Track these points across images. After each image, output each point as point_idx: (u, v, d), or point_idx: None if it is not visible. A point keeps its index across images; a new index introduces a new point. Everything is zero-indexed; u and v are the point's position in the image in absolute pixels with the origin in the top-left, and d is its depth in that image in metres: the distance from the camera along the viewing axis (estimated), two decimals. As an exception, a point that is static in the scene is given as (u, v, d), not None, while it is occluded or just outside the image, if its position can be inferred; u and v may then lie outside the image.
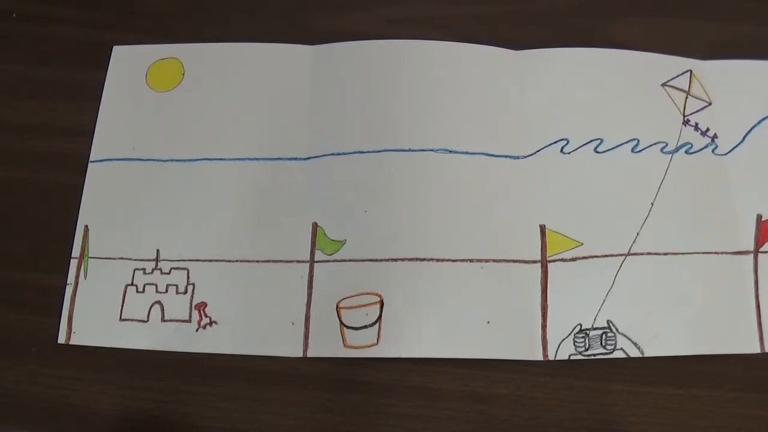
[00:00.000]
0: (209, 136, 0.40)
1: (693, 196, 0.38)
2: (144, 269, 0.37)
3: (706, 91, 0.41)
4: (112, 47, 0.43)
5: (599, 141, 0.39)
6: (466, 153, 0.39)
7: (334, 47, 0.42)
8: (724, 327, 0.36)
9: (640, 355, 0.35)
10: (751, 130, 0.40)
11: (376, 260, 0.37)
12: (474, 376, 0.36)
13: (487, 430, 0.35)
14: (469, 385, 0.35)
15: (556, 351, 0.35)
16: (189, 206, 0.38)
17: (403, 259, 0.37)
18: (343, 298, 0.36)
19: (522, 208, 0.38)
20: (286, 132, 0.40)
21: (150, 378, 0.36)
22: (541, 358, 0.35)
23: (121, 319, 0.37)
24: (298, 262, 0.37)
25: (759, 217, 0.38)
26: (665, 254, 0.37)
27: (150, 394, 0.35)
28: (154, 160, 0.40)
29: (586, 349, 0.35)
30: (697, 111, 0.40)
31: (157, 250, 0.38)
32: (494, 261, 0.37)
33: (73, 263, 0.38)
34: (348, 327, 0.36)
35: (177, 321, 0.37)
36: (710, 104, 0.40)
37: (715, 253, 0.37)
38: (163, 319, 0.37)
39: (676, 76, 0.41)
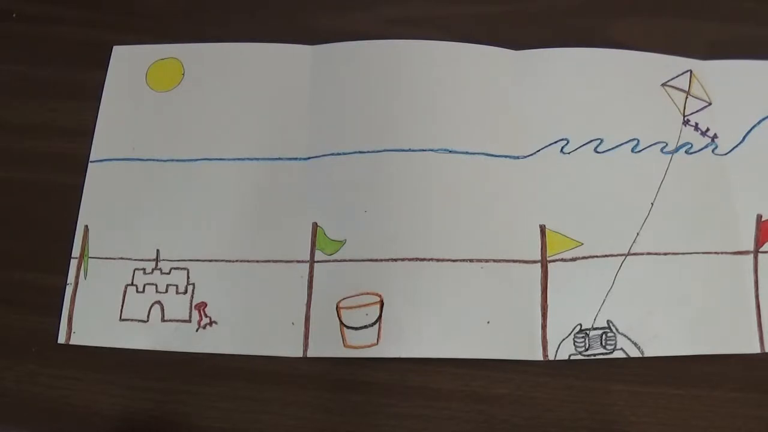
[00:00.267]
0: (209, 136, 0.40)
1: (693, 196, 0.38)
2: (144, 269, 0.37)
3: (706, 91, 0.41)
4: (112, 47, 0.43)
5: (599, 141, 0.39)
6: (466, 153, 0.39)
7: (334, 47, 0.42)
8: (724, 327, 0.36)
9: (640, 355, 0.35)
10: (751, 130, 0.40)
11: (376, 260, 0.37)
12: (474, 376, 0.36)
13: (487, 430, 0.35)
14: (469, 385, 0.35)
15: (556, 351, 0.35)
16: (189, 206, 0.38)
17: (403, 259, 0.37)
18: (343, 298, 0.36)
19: (522, 208, 0.38)
20: (286, 132, 0.40)
21: (150, 378, 0.36)
22: (541, 358, 0.35)
23: (121, 319, 0.37)
24: (298, 262, 0.37)
25: (759, 217, 0.38)
26: (665, 254, 0.37)
27: (150, 394, 0.35)
28: (154, 160, 0.40)
29: (586, 349, 0.35)
30: (697, 111, 0.40)
31: (157, 250, 0.38)
32: (494, 261, 0.37)
33: (73, 263, 0.38)
34: (348, 327, 0.36)
35: (177, 321, 0.37)
36: (710, 104, 0.40)
37: (715, 253, 0.37)
38: (163, 319, 0.37)
39: (676, 76, 0.41)
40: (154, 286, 0.37)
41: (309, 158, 0.39)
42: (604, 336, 0.36)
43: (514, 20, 0.43)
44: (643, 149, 0.39)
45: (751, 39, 0.42)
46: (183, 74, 0.42)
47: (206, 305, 0.37)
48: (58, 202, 0.39)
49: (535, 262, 0.37)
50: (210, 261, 0.37)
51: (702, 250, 0.37)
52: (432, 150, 0.39)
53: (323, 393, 0.35)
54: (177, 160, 0.39)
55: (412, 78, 0.40)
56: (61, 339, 0.36)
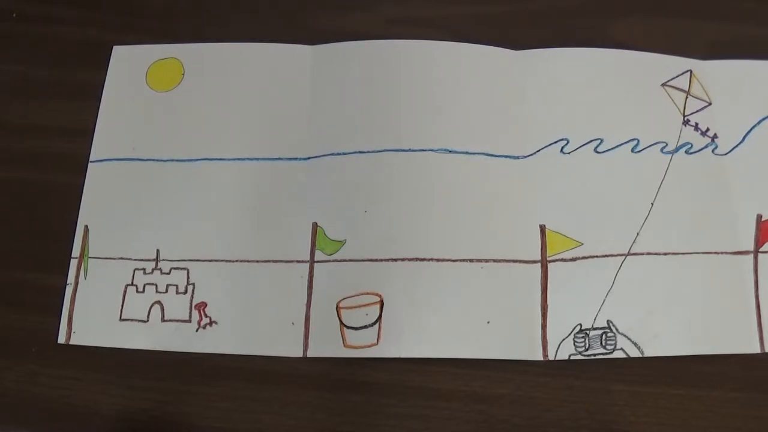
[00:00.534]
0: (209, 136, 0.40)
1: (693, 196, 0.38)
2: (144, 269, 0.37)
3: (706, 91, 0.41)
4: (112, 47, 0.43)
5: (599, 141, 0.39)
6: (466, 153, 0.39)
7: (334, 47, 0.42)
8: (724, 327, 0.36)
9: (640, 355, 0.35)
10: (751, 130, 0.40)
11: (376, 260, 0.37)
12: (474, 376, 0.36)
13: (487, 430, 0.35)
14: (469, 385, 0.35)
15: (556, 351, 0.35)
16: (189, 206, 0.38)
17: (403, 259, 0.37)
18: (343, 298, 0.36)
19: (522, 208, 0.38)
20: (286, 132, 0.40)
21: (150, 378, 0.36)
22: (541, 358, 0.35)
23: (121, 319, 0.37)
24: (298, 262, 0.37)
25: (759, 217, 0.38)
26: (665, 254, 0.37)
27: (150, 394, 0.35)
28: (154, 160, 0.40)
29: (586, 349, 0.35)
30: (697, 111, 0.40)
31: (157, 250, 0.38)
32: (494, 261, 0.37)
33: (73, 263, 0.38)
34: (348, 327, 0.36)
35: (177, 321, 0.37)
36: (710, 104, 0.40)
37: (715, 253, 0.37)
38: (163, 319, 0.37)
39: (676, 76, 0.41)
40: (154, 286, 0.37)
41: (309, 158, 0.39)
42: (604, 336, 0.36)
43: (514, 20, 0.43)
44: (643, 149, 0.39)
45: (751, 39, 0.42)
46: (183, 74, 0.42)
47: (206, 305, 0.37)
48: (58, 202, 0.39)
49: (535, 262, 0.37)
50: (210, 261, 0.37)
51: (702, 250, 0.37)
52: (432, 150, 0.39)
53: (323, 393, 0.35)
54: (177, 160, 0.39)
55: (412, 78, 0.40)
56: (61, 339, 0.36)
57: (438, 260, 0.37)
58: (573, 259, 0.37)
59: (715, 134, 0.40)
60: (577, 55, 0.41)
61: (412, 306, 0.36)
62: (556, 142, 0.39)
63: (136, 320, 0.37)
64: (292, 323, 0.36)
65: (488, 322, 0.36)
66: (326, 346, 0.36)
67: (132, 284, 0.37)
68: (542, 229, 0.37)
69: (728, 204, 0.38)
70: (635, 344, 0.35)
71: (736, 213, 0.38)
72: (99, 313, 0.37)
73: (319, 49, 0.42)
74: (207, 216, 0.38)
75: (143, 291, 0.37)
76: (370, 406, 0.35)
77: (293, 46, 0.42)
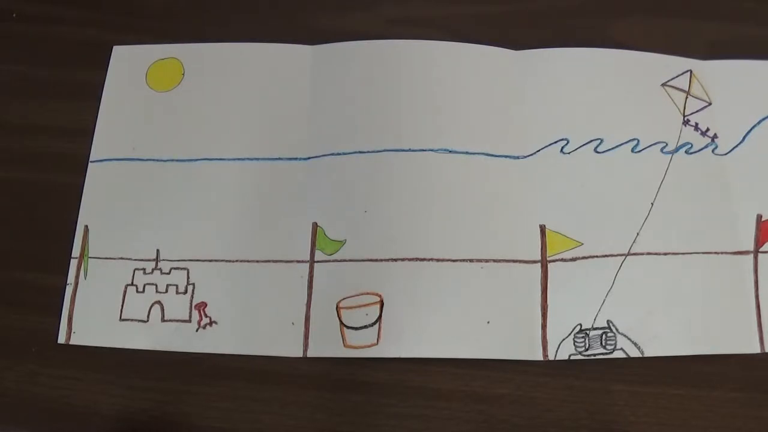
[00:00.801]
0: (209, 136, 0.40)
1: (693, 196, 0.38)
2: (144, 269, 0.37)
3: (706, 91, 0.41)
4: (112, 47, 0.43)
5: (599, 141, 0.39)
6: (466, 153, 0.39)
7: (334, 47, 0.42)
8: (724, 327, 0.36)
9: (640, 355, 0.35)
10: (751, 130, 0.40)
11: (376, 260, 0.37)
12: (474, 376, 0.36)
13: (487, 430, 0.35)
14: (469, 385, 0.35)
15: (556, 351, 0.35)
16: (189, 206, 0.38)
17: (403, 259, 0.37)
18: (343, 298, 0.36)
19: (522, 208, 0.38)
20: (286, 132, 0.40)
21: (150, 378, 0.36)
22: (541, 358, 0.35)
23: (121, 319, 0.37)
24: (298, 262, 0.37)
25: (759, 217, 0.38)
26: (665, 254, 0.37)
27: (150, 394, 0.35)
28: (154, 160, 0.40)
29: (586, 349, 0.35)
30: (697, 111, 0.40)
31: (157, 250, 0.38)
32: (494, 261, 0.37)
33: (73, 263, 0.38)
34: (348, 327, 0.36)
35: (177, 321, 0.37)
36: (710, 104, 0.40)
37: (715, 253, 0.37)
38: (163, 319, 0.37)
39: (676, 76, 0.41)
40: (154, 286, 0.37)
41: (309, 158, 0.39)
42: (604, 336, 0.36)
43: (514, 20, 0.43)
44: (643, 149, 0.39)
45: (751, 39, 0.42)
46: (183, 74, 0.42)
47: (206, 305, 0.37)
48: (58, 202, 0.39)
49: (535, 262, 0.37)
50: (210, 261, 0.37)
51: (702, 250, 0.37)
52: (432, 150, 0.39)
53: (323, 393, 0.35)
54: (177, 160, 0.39)
55: (412, 78, 0.40)
56: (61, 339, 0.36)
57: (438, 260, 0.37)
58: (573, 259, 0.37)
59: (715, 134, 0.40)
60: (577, 55, 0.41)
61: (412, 306, 0.36)
62: (556, 142, 0.39)
63: (136, 320, 0.37)
64: (292, 323, 0.36)
65: (488, 322, 0.36)
66: (326, 346, 0.36)
67: (132, 284, 0.37)
68: (542, 229, 0.37)
69: (728, 204, 0.38)
70: (635, 344, 0.35)
71: (736, 213, 0.38)
72: (99, 313, 0.37)
73: (319, 49, 0.42)
74: (207, 216, 0.38)
75: (143, 291, 0.37)
76: (370, 406, 0.35)
77: (293, 46, 0.42)
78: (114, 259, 0.38)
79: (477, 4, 0.44)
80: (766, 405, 0.35)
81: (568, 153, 0.39)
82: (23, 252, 0.38)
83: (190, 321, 0.36)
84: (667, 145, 0.39)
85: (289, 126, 0.40)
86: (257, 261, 0.37)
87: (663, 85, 0.40)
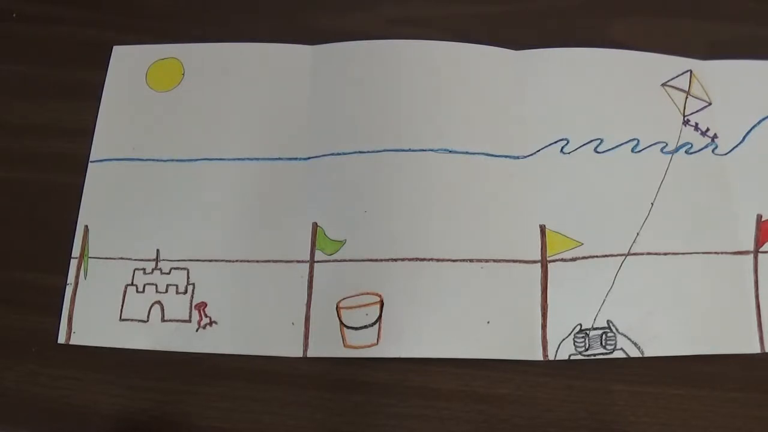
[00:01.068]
0: (209, 136, 0.40)
1: (693, 196, 0.38)
2: (144, 269, 0.37)
3: (706, 91, 0.41)
4: (112, 47, 0.43)
5: (599, 141, 0.39)
6: (466, 153, 0.39)
7: (334, 47, 0.42)
8: (724, 327, 0.36)
9: (640, 355, 0.35)
10: (751, 130, 0.40)
11: (376, 260, 0.37)
12: (474, 376, 0.36)
13: (487, 430, 0.35)
14: (469, 385, 0.35)
15: (556, 351, 0.35)
16: (189, 206, 0.38)
17: (403, 259, 0.37)
18: (343, 298, 0.36)
19: (522, 208, 0.38)
20: (286, 132, 0.40)
21: (150, 378, 0.36)
22: (541, 358, 0.35)
23: (121, 319, 0.37)
24: (298, 262, 0.37)
25: (759, 217, 0.38)
26: (665, 254, 0.37)
27: (150, 394, 0.35)
28: (154, 160, 0.40)
29: (586, 349, 0.35)
30: (697, 111, 0.40)
31: (157, 250, 0.38)
32: (494, 261, 0.37)
33: (73, 263, 0.38)
34: (348, 327, 0.36)
35: (177, 321, 0.37)
36: (710, 104, 0.40)
37: (715, 253, 0.37)
38: (163, 319, 0.37)
39: (676, 76, 0.41)
40: (154, 286, 0.37)
41: (309, 158, 0.39)
42: (604, 336, 0.36)
43: (514, 20, 0.43)
44: (643, 149, 0.39)
45: (751, 39, 0.42)
46: (183, 74, 0.42)
47: (206, 305, 0.37)
48: (58, 202, 0.39)
49: (535, 262, 0.37)
50: (210, 261, 0.37)
51: (702, 250, 0.37)
52: (432, 150, 0.39)
53: (323, 393, 0.35)
54: (177, 160, 0.39)
55: (412, 78, 0.40)
56: (61, 339, 0.36)
57: (438, 260, 0.37)
58: (573, 259, 0.37)
59: (715, 134, 0.40)
60: (577, 55, 0.41)
61: (412, 306, 0.36)
62: (556, 142, 0.39)
63: (136, 320, 0.37)
64: (292, 323, 0.36)
65: (488, 322, 0.36)
66: (326, 346, 0.36)
67: (132, 284, 0.37)
68: (542, 229, 0.37)
69: (728, 204, 0.38)
70: (635, 344, 0.35)
71: (736, 213, 0.38)
72: (99, 313, 0.37)
73: (319, 49, 0.42)
74: (207, 216, 0.38)
75: (143, 291, 0.37)
76: (370, 406, 0.35)
77: (293, 46, 0.42)
78: (114, 259, 0.38)
79: (477, 4, 0.44)
80: (766, 405, 0.35)
81: (568, 153, 0.39)
82: (23, 252, 0.38)
83: (190, 321, 0.36)
84: (667, 145, 0.39)
85: (289, 126, 0.40)
86: (257, 261, 0.37)
87: (663, 85, 0.40)
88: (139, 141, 0.40)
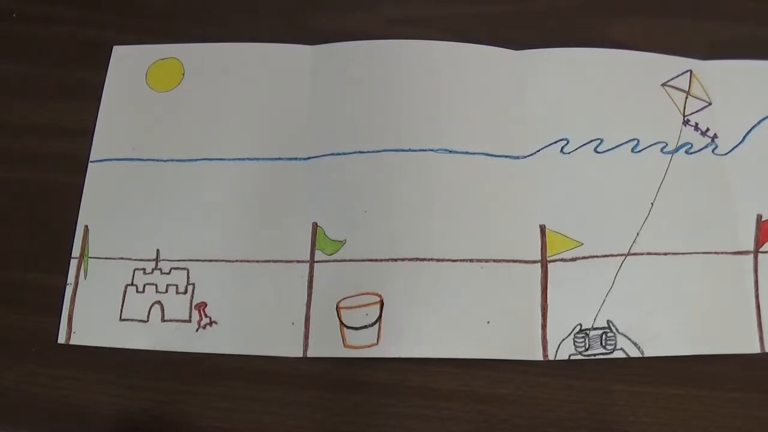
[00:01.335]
0: (209, 136, 0.40)
1: (693, 196, 0.38)
2: (144, 269, 0.37)
3: (706, 91, 0.41)
4: (112, 47, 0.43)
5: (599, 141, 0.39)
6: (466, 153, 0.39)
7: (334, 47, 0.42)
8: (724, 327, 0.36)
9: (640, 355, 0.35)
10: (751, 130, 0.40)
11: (376, 260, 0.37)
12: (474, 376, 0.36)
13: (487, 430, 0.35)
14: (469, 385, 0.35)
15: (556, 351, 0.35)
16: (189, 206, 0.38)
17: (403, 259, 0.37)
18: (343, 298, 0.36)
19: (522, 208, 0.38)
20: (286, 132, 0.40)
21: (150, 378, 0.36)
22: (541, 358, 0.35)
23: (121, 319, 0.37)
24: (298, 262, 0.37)
25: (759, 217, 0.38)
26: (665, 254, 0.37)
27: (150, 394, 0.35)
28: (154, 160, 0.40)
29: (586, 349, 0.35)
30: (697, 111, 0.40)
31: (157, 250, 0.38)
32: (494, 261, 0.37)
33: (73, 263, 0.38)
34: (348, 327, 0.36)
35: (177, 321, 0.37)
36: (710, 104, 0.40)
37: (715, 253, 0.37)
38: (163, 319, 0.37)
39: (676, 76, 0.41)
40: (154, 286, 0.37)
41: (309, 158, 0.39)
42: (604, 336, 0.36)
43: (514, 20, 0.43)
44: (643, 149, 0.39)
45: (751, 39, 0.42)
46: (183, 74, 0.42)
47: (206, 305, 0.37)
48: (58, 202, 0.39)
49: (535, 262, 0.37)
50: (210, 261, 0.37)
51: (702, 250, 0.37)
52: (432, 150, 0.39)
53: (323, 393, 0.35)
54: (177, 160, 0.39)
55: (412, 78, 0.40)
56: (61, 339, 0.36)
57: (438, 260, 0.37)
58: (573, 259, 0.37)
59: (715, 134, 0.40)
60: (577, 55, 0.41)
61: (412, 306, 0.36)
62: (556, 142, 0.39)
63: (136, 320, 0.37)
64: (292, 323, 0.36)
65: (488, 322, 0.36)
66: (326, 346, 0.36)
67: (132, 284, 0.37)
68: (542, 229, 0.37)
69: (728, 204, 0.38)
70: (635, 344, 0.35)
71: (736, 213, 0.38)
72: (99, 313, 0.37)
73: (319, 49, 0.42)
74: (207, 216, 0.38)
75: (143, 291, 0.37)
76: (370, 406, 0.35)
77: (293, 46, 0.42)
78: (114, 259, 0.38)
79: (477, 4, 0.44)
80: (766, 405, 0.35)
81: (568, 153, 0.39)
82: (23, 252, 0.38)
83: (190, 321, 0.36)
84: (667, 145, 0.39)
85: (289, 126, 0.40)
86: (257, 261, 0.37)
87: (663, 85, 0.40)
88: (139, 141, 0.40)
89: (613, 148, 0.39)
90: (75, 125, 0.41)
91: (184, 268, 0.37)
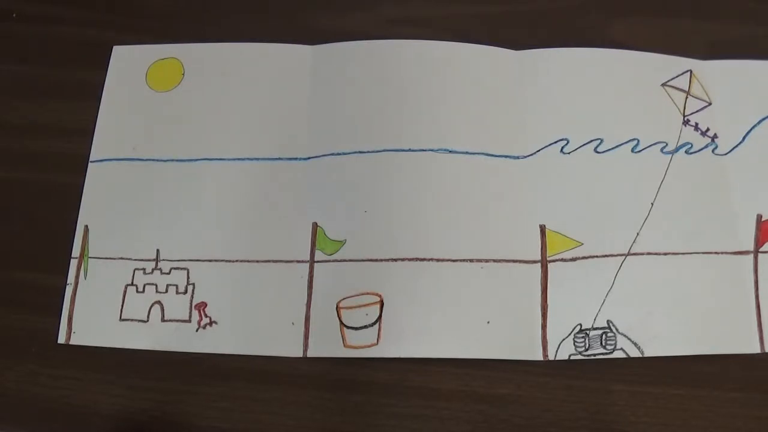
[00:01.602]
0: (209, 136, 0.40)
1: (693, 196, 0.38)
2: (144, 269, 0.37)
3: (706, 91, 0.41)
4: (112, 47, 0.43)
5: (599, 141, 0.39)
6: (466, 153, 0.39)
7: (334, 47, 0.42)
8: (724, 327, 0.36)
9: (640, 355, 0.35)
10: (751, 130, 0.40)
11: (376, 260, 0.37)
12: (474, 376, 0.36)
13: (487, 430, 0.35)
14: (469, 385, 0.35)
15: (556, 351, 0.35)
16: (189, 206, 0.38)
17: (403, 259, 0.37)
18: (343, 298, 0.36)
19: (522, 208, 0.38)
20: (286, 132, 0.40)
21: (150, 378, 0.36)
22: (541, 358, 0.35)
23: (121, 319, 0.37)
24: (298, 262, 0.37)
25: (759, 217, 0.38)
26: (665, 254, 0.37)
27: (150, 394, 0.35)
28: (154, 160, 0.40)
29: (586, 349, 0.36)
30: (697, 111, 0.40)
31: (157, 250, 0.38)
32: (494, 261, 0.37)
33: (73, 263, 0.38)
34: (348, 327, 0.36)
35: (177, 321, 0.37)
36: (710, 104, 0.40)
37: (715, 253, 0.37)
38: (163, 319, 0.37)
39: (676, 76, 0.41)
40: (154, 286, 0.37)
41: (309, 158, 0.39)
42: (604, 336, 0.36)
43: (514, 20, 0.43)
44: (643, 149, 0.39)
45: (751, 39, 0.42)
46: (183, 74, 0.42)
47: (206, 305, 0.37)
48: (58, 202, 0.39)
49: (535, 262, 0.37)
50: (210, 261, 0.37)
51: (702, 250, 0.37)
52: (432, 150, 0.39)
53: (323, 393, 0.35)
54: (177, 160, 0.39)
55: (412, 78, 0.40)
56: (61, 339, 0.36)
57: (438, 260, 0.37)
58: (573, 259, 0.37)
59: (715, 134, 0.40)
60: (577, 55, 0.41)
61: (412, 306, 0.36)
62: (556, 142, 0.39)
63: (136, 320, 0.37)
64: (292, 323, 0.36)
65: (488, 322, 0.36)
66: (326, 346, 0.36)
67: (132, 284, 0.37)
68: (542, 229, 0.37)
69: (728, 204, 0.38)
70: (635, 344, 0.35)
71: (736, 213, 0.38)
72: (99, 313, 0.37)
73: (319, 49, 0.42)
74: (207, 216, 0.38)
75: (143, 291, 0.37)
76: (370, 406, 0.35)
77: (293, 46, 0.42)
78: (114, 259, 0.38)
79: (477, 4, 0.44)
80: (766, 405, 0.35)
81: (568, 153, 0.39)
82: (23, 252, 0.38)
83: (190, 321, 0.36)
84: (667, 145, 0.39)
85: (289, 126, 0.40)
86: (257, 261, 0.37)
87: (663, 85, 0.40)
88: (139, 141, 0.40)
89: (613, 148, 0.39)
90: (75, 125, 0.41)
91: (184, 268, 0.37)
